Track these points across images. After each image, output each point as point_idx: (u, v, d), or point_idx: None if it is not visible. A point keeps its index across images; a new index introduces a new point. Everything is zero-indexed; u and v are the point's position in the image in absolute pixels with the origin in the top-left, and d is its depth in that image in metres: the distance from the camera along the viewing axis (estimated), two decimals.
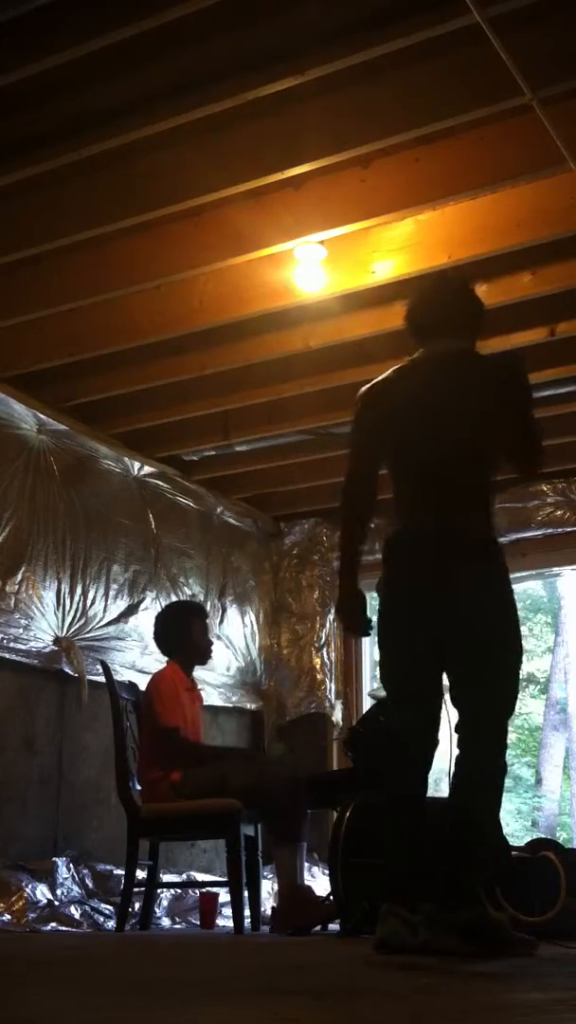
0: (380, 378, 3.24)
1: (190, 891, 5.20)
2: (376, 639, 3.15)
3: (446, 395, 3.10)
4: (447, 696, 3.09)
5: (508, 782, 3.07)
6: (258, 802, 4.42)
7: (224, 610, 6.44)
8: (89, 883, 4.81)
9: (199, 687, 5.02)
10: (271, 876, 5.09)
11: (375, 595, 3.18)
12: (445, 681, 3.09)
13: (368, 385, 3.26)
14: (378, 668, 3.18)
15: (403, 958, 2.71)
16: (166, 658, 4.84)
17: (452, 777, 3.00)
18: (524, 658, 3.12)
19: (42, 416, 5.27)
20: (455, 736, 3.05)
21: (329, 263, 4.22)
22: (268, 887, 5.14)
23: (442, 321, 3.19)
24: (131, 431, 5.69)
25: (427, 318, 3.22)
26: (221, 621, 6.39)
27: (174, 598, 5.86)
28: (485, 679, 2.99)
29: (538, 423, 3.22)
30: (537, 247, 4.07)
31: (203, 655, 4.88)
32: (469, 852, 2.92)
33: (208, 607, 6.18)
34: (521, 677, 3.11)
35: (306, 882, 4.59)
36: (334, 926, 4.28)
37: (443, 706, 3.09)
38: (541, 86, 3.27)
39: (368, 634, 3.21)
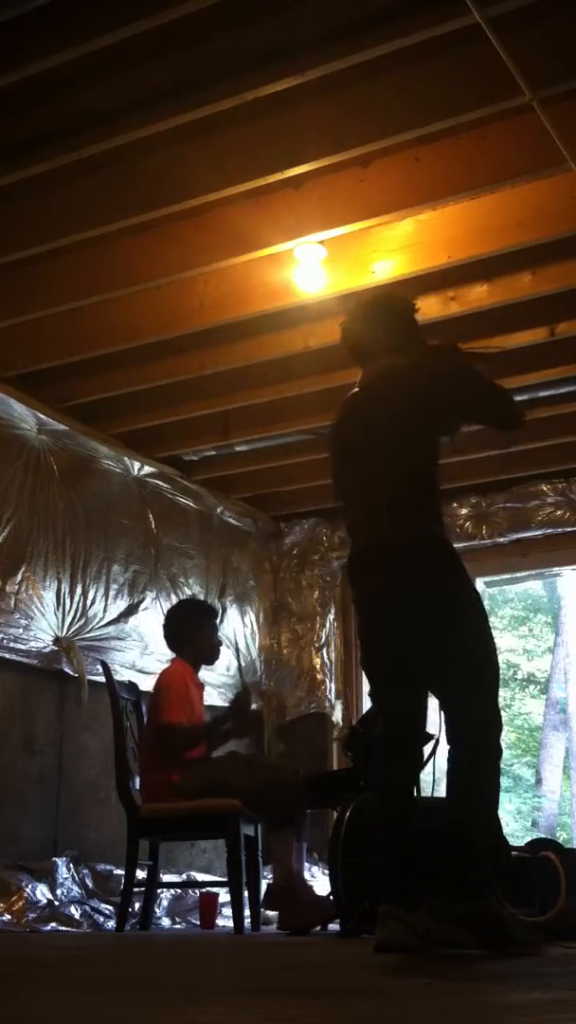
0: (337, 414, 3.38)
1: (190, 891, 5.20)
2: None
3: (369, 422, 3.21)
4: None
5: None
6: (258, 802, 4.42)
7: (224, 610, 6.44)
8: (89, 883, 4.81)
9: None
10: (271, 876, 5.09)
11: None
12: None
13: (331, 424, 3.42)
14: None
15: (404, 959, 2.71)
16: (173, 655, 4.83)
17: (447, 774, 3.03)
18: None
19: (42, 416, 5.27)
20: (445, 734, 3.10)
21: (329, 263, 4.22)
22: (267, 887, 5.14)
23: (368, 346, 3.30)
24: (131, 431, 5.69)
25: (356, 345, 3.35)
26: (221, 621, 6.39)
27: (174, 598, 5.86)
28: (452, 681, 3.05)
29: (490, 389, 3.25)
30: (537, 247, 4.08)
31: (212, 655, 4.89)
32: (468, 845, 2.95)
33: (220, 616, 6.19)
34: (498, 667, 3.17)
35: (303, 878, 4.59)
36: (334, 926, 4.28)
37: (426, 711, 3.14)
38: (541, 86, 3.27)
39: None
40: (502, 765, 3.16)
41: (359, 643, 3.28)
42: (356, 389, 3.34)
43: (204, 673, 5.22)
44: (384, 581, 3.09)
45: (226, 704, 5.98)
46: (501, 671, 3.26)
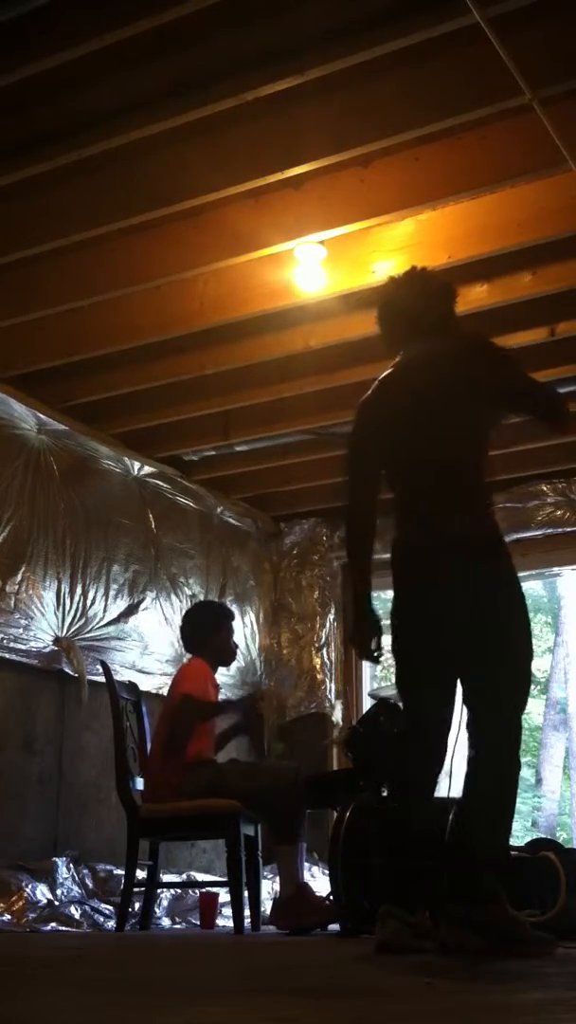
0: (369, 391, 3.24)
1: (190, 891, 5.20)
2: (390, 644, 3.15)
3: (426, 399, 3.09)
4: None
5: None
6: (258, 803, 4.42)
7: None
8: (89, 883, 4.81)
9: None
10: (271, 876, 5.09)
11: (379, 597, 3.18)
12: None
13: (361, 400, 3.25)
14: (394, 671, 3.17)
15: (404, 959, 2.71)
16: (189, 655, 4.84)
17: (465, 776, 2.99)
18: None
19: (42, 416, 5.27)
20: (465, 735, 3.05)
21: (329, 263, 4.22)
22: (268, 887, 5.14)
23: (411, 325, 3.20)
24: (131, 431, 5.69)
25: (397, 325, 3.24)
26: None
27: (174, 598, 5.87)
28: (493, 680, 2.97)
29: (536, 385, 3.19)
30: (537, 247, 4.07)
31: (228, 657, 4.91)
32: (483, 850, 2.92)
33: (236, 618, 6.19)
34: (532, 675, 3.09)
35: (306, 882, 4.59)
36: (334, 926, 4.28)
37: (453, 711, 3.07)
38: (541, 86, 3.27)
39: (379, 662, 3.19)
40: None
41: (395, 628, 3.08)
42: (399, 364, 3.19)
43: None
44: (444, 575, 2.97)
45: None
46: None
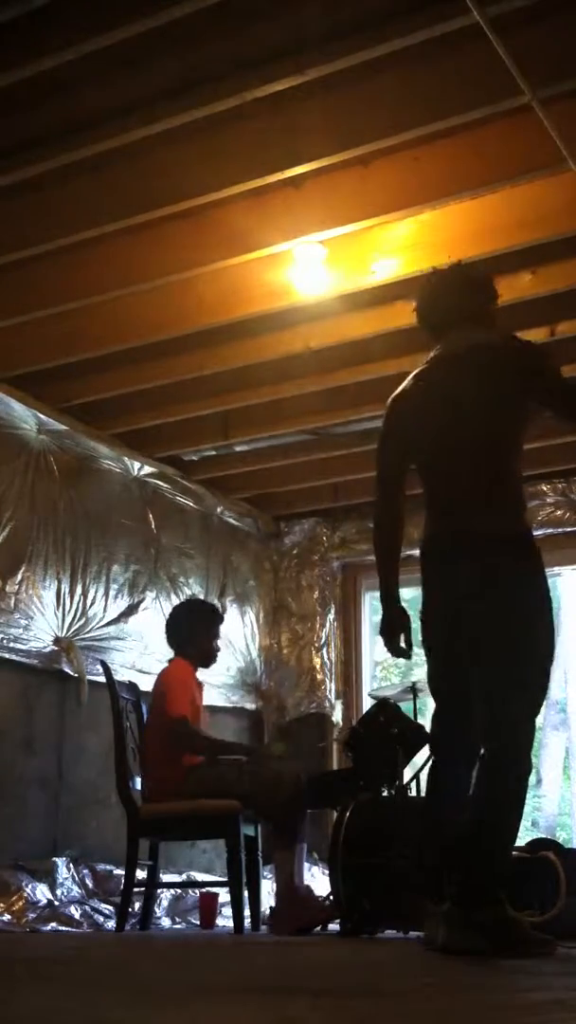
0: (402, 385, 3.24)
1: (190, 891, 5.20)
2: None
3: (460, 392, 3.09)
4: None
5: None
6: (259, 805, 4.42)
7: (224, 610, 6.44)
8: (89, 883, 4.81)
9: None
10: (271, 876, 5.09)
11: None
12: None
13: (393, 394, 3.25)
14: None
15: (404, 958, 2.71)
16: (172, 652, 4.83)
17: (476, 774, 2.97)
18: None
19: (42, 416, 5.27)
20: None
21: (329, 263, 4.22)
22: (268, 887, 5.14)
23: (449, 316, 3.20)
24: (131, 431, 5.69)
25: (434, 315, 3.24)
26: (220, 621, 6.39)
27: (174, 598, 5.86)
28: (505, 681, 2.96)
29: (568, 385, 3.17)
30: (537, 247, 4.07)
31: (209, 659, 4.89)
32: (488, 852, 2.90)
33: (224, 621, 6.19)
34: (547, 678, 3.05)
35: (306, 882, 4.59)
36: (334, 926, 4.28)
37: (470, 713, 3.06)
38: (541, 86, 3.27)
39: (410, 657, 3.21)
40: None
41: (422, 624, 3.11)
42: (433, 358, 3.19)
43: (204, 673, 5.22)
44: (469, 574, 2.97)
45: (231, 705, 5.99)
46: None
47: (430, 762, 3.18)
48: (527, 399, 3.07)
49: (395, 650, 3.17)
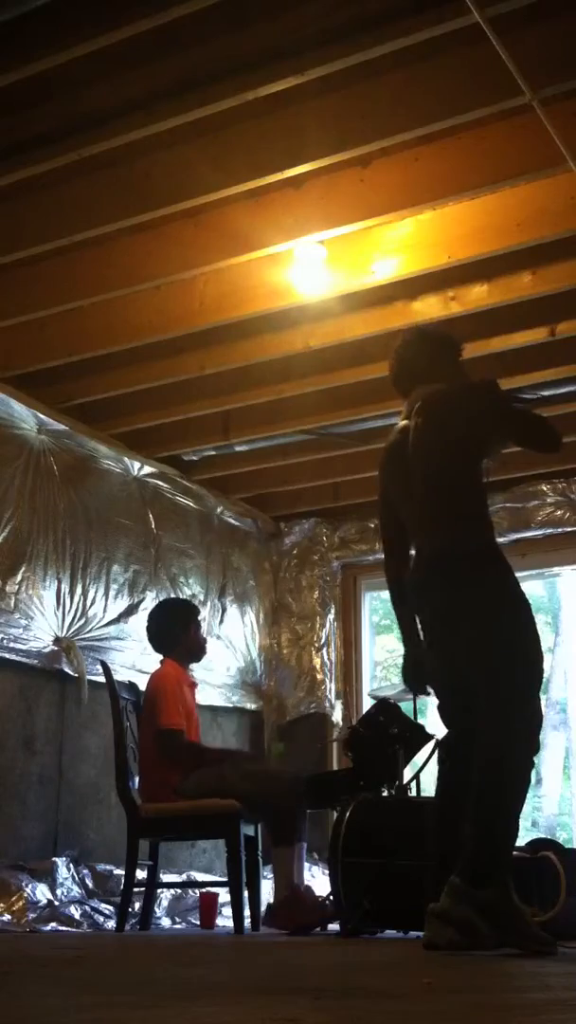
0: (386, 442, 3.56)
1: (190, 891, 5.20)
2: None
3: (415, 440, 3.36)
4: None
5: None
6: (257, 805, 4.43)
7: (224, 610, 6.44)
8: (89, 883, 4.81)
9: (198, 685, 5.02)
10: (271, 876, 5.09)
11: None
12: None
13: (382, 448, 3.59)
14: None
15: (403, 959, 2.71)
16: (161, 656, 4.83)
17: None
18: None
19: (42, 416, 5.27)
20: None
21: (329, 263, 4.22)
22: (268, 887, 5.13)
23: (414, 376, 3.48)
24: (131, 431, 5.69)
25: (401, 377, 3.54)
26: (221, 621, 6.39)
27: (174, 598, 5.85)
28: (480, 690, 3.13)
29: (526, 416, 3.48)
30: (537, 247, 4.07)
31: (198, 653, 4.90)
32: (493, 836, 2.99)
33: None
34: (530, 682, 3.18)
35: (306, 882, 4.59)
36: (334, 926, 4.28)
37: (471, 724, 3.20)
38: (541, 86, 3.27)
39: (428, 693, 3.53)
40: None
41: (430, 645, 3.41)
42: (403, 420, 3.47)
43: (205, 673, 5.23)
44: (437, 599, 3.26)
45: (230, 705, 5.99)
46: None
47: (441, 764, 3.32)
48: (480, 435, 3.34)
49: (416, 690, 3.61)
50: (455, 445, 3.30)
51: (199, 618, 4.99)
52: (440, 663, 3.31)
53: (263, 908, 4.74)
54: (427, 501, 3.33)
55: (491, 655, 3.13)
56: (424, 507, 3.34)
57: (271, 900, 4.58)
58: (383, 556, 3.60)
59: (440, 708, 3.38)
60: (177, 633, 4.80)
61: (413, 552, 3.42)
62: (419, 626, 3.40)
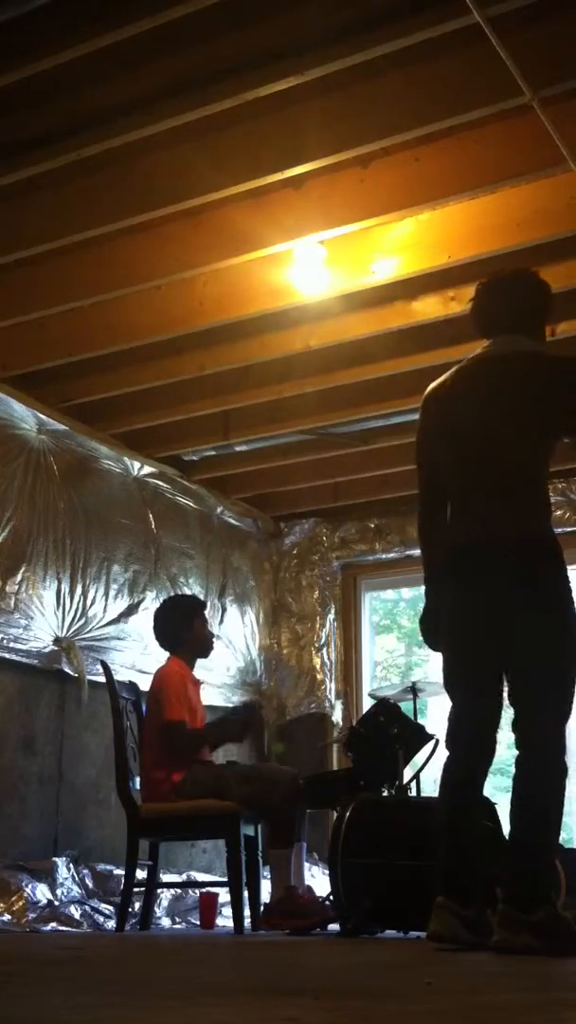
0: (442, 378, 3.27)
1: (190, 891, 5.20)
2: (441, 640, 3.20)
3: (498, 397, 3.13)
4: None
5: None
6: (256, 806, 4.43)
7: (224, 610, 6.44)
8: (89, 883, 4.81)
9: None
10: (270, 892, 5.09)
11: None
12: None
13: (432, 384, 3.28)
14: (442, 669, 3.22)
15: (403, 959, 2.71)
16: (168, 653, 4.83)
17: (513, 778, 3.00)
18: None
19: (42, 416, 5.27)
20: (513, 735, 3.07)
21: (329, 263, 4.22)
22: (268, 887, 5.14)
23: (505, 321, 3.22)
24: (131, 431, 5.69)
25: (491, 317, 3.25)
26: (221, 621, 6.39)
27: None
28: (537, 684, 3.00)
29: None
30: (537, 247, 4.07)
31: (206, 648, 4.89)
32: (536, 853, 2.93)
33: (208, 607, 6.19)
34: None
35: (306, 882, 4.59)
36: (334, 926, 4.28)
37: (499, 709, 3.09)
38: (541, 86, 3.27)
39: (439, 650, 3.25)
40: (501, 764, 3.15)
41: (445, 624, 3.14)
42: (477, 356, 3.21)
43: (205, 673, 5.23)
44: (495, 578, 3.01)
45: (231, 705, 5.99)
46: None
47: (445, 759, 3.17)
48: (563, 413, 3.12)
49: (430, 643, 3.24)
50: (550, 418, 3.09)
51: (204, 613, 4.96)
52: (477, 643, 3.06)
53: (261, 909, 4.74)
54: (504, 474, 3.08)
55: (563, 658, 2.98)
56: (498, 480, 3.07)
57: (267, 902, 4.58)
58: (423, 488, 3.25)
59: (458, 685, 3.11)
60: (181, 630, 4.80)
61: (460, 517, 3.12)
62: (455, 603, 3.13)
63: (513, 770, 3.01)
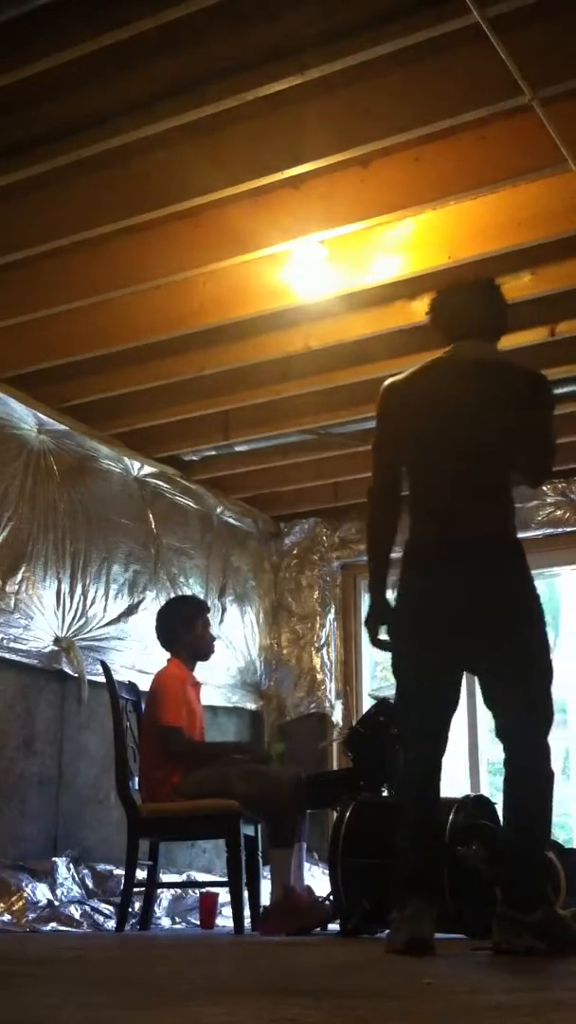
0: (406, 373, 3.23)
1: (190, 891, 5.20)
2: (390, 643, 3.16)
3: (469, 398, 3.11)
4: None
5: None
6: (257, 806, 4.42)
7: (224, 610, 6.44)
8: (89, 883, 4.81)
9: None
10: (270, 894, 5.09)
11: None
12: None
13: (393, 378, 3.24)
14: (392, 670, 3.17)
15: (402, 958, 2.71)
16: (168, 654, 4.83)
17: (504, 784, 2.98)
18: None
19: (42, 416, 5.27)
20: (496, 742, 3.06)
21: (329, 263, 4.22)
22: (268, 887, 5.13)
23: (471, 326, 3.19)
24: (131, 431, 5.69)
25: (453, 321, 3.23)
26: (221, 621, 6.39)
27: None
28: (514, 691, 3.00)
29: (552, 440, 3.19)
30: (537, 247, 4.07)
31: (206, 651, 4.89)
32: (531, 856, 2.94)
33: (211, 609, 6.19)
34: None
35: (306, 882, 4.58)
36: (334, 926, 4.28)
37: (452, 706, 3.07)
38: (541, 86, 3.27)
39: (387, 650, 3.19)
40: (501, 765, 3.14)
41: (396, 622, 3.10)
42: (445, 358, 3.19)
43: (205, 674, 5.22)
44: (459, 582, 2.97)
45: (231, 706, 5.98)
46: None
47: (404, 757, 3.14)
48: (523, 429, 3.09)
49: (376, 643, 3.18)
50: (516, 428, 3.07)
51: (206, 616, 4.95)
52: (435, 642, 3.01)
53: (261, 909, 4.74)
54: (471, 474, 3.04)
55: (537, 657, 3.00)
56: (465, 480, 3.04)
57: (266, 904, 4.58)
58: (377, 485, 3.19)
59: (409, 681, 3.07)
60: (180, 632, 4.80)
61: (424, 515, 3.07)
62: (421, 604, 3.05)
63: (504, 773, 3.00)
